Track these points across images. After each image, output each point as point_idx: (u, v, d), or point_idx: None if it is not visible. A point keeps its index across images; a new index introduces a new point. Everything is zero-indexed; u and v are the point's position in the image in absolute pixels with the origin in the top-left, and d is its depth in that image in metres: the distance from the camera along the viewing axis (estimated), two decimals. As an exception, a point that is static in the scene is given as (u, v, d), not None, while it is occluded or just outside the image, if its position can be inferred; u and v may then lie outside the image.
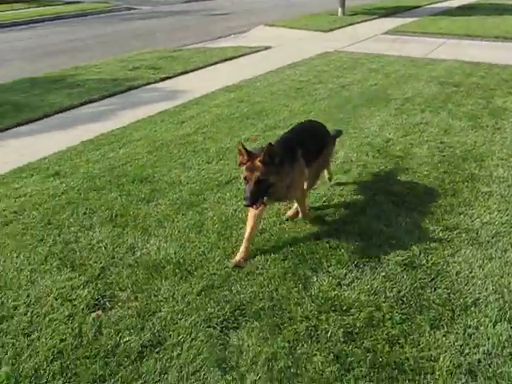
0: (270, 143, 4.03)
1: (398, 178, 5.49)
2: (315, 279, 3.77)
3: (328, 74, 10.43)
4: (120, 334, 3.25)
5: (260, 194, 4.01)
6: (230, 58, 12.33)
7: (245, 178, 4.03)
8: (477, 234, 4.31)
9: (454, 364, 2.96)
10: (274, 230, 4.52)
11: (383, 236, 4.31)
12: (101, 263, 4.03)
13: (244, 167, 4.07)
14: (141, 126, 7.48)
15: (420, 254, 4.05)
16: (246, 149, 4.06)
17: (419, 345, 3.11)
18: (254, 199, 3.96)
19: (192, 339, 3.19)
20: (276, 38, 15.27)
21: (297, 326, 3.31)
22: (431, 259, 3.97)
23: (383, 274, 3.80)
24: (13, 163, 6.16)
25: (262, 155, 3.97)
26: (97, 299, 3.59)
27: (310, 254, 4.09)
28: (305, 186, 4.72)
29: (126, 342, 3.18)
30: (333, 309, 3.45)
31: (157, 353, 3.11)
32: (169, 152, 6.40)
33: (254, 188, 3.95)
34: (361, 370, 2.93)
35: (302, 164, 4.47)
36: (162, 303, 3.55)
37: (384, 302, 3.50)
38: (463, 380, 2.86)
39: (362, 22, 18.82)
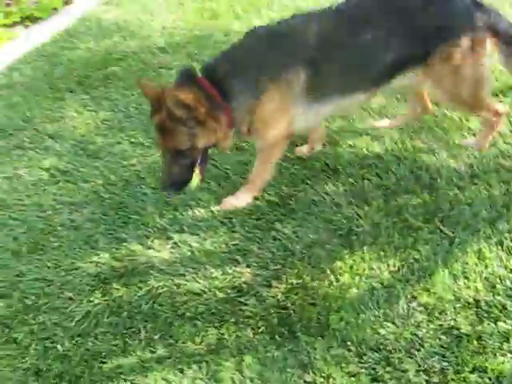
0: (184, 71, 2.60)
1: None
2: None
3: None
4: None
5: (187, 171, 2.63)
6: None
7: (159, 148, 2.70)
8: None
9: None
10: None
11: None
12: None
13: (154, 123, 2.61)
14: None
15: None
16: (146, 88, 2.61)
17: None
18: (176, 183, 2.66)
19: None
20: None
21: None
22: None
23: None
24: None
25: (169, 109, 2.43)
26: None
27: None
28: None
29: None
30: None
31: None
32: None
33: (172, 167, 2.59)
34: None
35: (283, 94, 2.63)
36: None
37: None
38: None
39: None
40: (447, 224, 2.68)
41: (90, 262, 2.89)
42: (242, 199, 3.01)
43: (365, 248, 2.64)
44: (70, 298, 2.73)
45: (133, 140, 3.70)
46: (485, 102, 2.92)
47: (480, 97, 2.86)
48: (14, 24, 5.94)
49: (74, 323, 2.61)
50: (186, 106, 2.39)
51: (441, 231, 2.65)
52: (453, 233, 2.63)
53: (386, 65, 2.69)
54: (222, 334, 2.43)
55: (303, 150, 3.28)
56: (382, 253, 2.61)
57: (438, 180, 2.89)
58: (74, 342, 2.54)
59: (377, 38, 2.61)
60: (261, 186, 3.01)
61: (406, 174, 2.96)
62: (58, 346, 2.53)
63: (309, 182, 3.05)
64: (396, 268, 2.54)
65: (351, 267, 2.58)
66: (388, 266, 2.56)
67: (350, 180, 2.99)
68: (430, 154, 3.09)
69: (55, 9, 6.10)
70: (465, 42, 2.63)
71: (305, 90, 2.62)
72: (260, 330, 2.41)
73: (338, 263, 2.61)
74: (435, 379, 2.12)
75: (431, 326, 2.31)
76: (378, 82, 2.80)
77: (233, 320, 2.48)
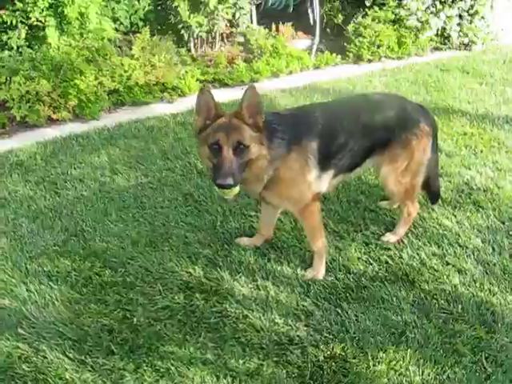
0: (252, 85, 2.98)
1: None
2: None
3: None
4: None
5: (240, 168, 2.89)
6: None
7: (215, 144, 2.87)
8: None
9: None
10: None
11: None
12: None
13: (212, 127, 2.93)
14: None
15: None
16: (214, 100, 2.95)
17: None
18: (235, 176, 2.84)
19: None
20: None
21: None
22: None
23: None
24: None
25: (241, 107, 2.91)
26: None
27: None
28: (307, 195, 3.26)
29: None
30: None
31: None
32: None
33: (234, 157, 2.85)
34: None
35: (304, 159, 3.17)
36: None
37: None
38: None
39: None
40: (490, 361, 2.87)
41: (186, 272, 3.47)
42: (319, 271, 3.45)
43: (409, 351, 2.91)
44: (159, 290, 3.31)
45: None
46: (417, 190, 3.64)
47: (416, 182, 3.57)
48: (206, 81, 7.11)
49: (153, 308, 3.18)
50: (257, 108, 2.90)
51: (482, 365, 2.84)
52: (492, 371, 2.81)
53: (364, 149, 3.39)
54: (262, 365, 2.84)
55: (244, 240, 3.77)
56: (422, 361, 2.87)
57: (499, 324, 3.09)
58: (147, 320, 3.10)
59: (360, 129, 3.34)
60: (324, 247, 3.49)
61: (473, 309, 3.19)
62: (134, 319, 3.10)
63: (386, 282, 3.39)
64: (429, 377, 2.78)
65: (390, 361, 2.86)
66: (422, 373, 2.80)
67: (422, 295, 3.29)
68: (499, 297, 3.30)
69: (242, 81, 7.16)
70: (418, 131, 3.40)
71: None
72: (293, 375, 2.79)
73: (381, 354, 2.90)
74: None
75: None
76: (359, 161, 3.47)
77: (275, 359, 2.88)
